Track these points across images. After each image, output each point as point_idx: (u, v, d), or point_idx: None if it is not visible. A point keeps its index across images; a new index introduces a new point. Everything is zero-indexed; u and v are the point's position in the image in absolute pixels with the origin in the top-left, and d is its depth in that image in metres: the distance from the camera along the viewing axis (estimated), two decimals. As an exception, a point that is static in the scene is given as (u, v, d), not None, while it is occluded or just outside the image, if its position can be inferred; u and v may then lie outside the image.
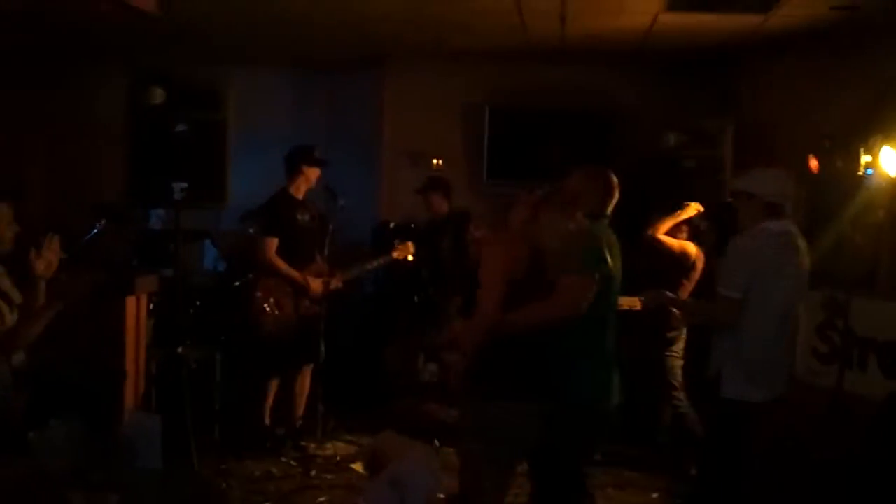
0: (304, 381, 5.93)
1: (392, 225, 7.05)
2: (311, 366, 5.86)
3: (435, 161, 7.50)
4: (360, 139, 7.89)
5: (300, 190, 5.73)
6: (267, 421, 5.80)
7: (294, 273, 5.62)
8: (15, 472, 2.34)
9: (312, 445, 5.81)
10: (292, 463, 5.53)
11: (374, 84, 7.77)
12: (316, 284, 5.70)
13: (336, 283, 5.81)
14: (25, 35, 6.91)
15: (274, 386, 5.81)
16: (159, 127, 4.80)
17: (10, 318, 3.70)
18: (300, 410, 5.97)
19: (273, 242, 5.54)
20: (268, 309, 5.59)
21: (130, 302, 4.95)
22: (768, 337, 3.87)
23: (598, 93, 7.38)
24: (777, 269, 3.82)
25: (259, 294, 5.58)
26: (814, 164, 5.82)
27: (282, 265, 5.58)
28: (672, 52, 6.88)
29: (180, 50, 7.08)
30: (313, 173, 5.75)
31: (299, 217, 5.73)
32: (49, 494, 2.39)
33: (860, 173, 5.66)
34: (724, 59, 6.99)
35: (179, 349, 5.02)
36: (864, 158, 5.60)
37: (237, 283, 6.39)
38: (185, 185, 4.76)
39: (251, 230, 6.24)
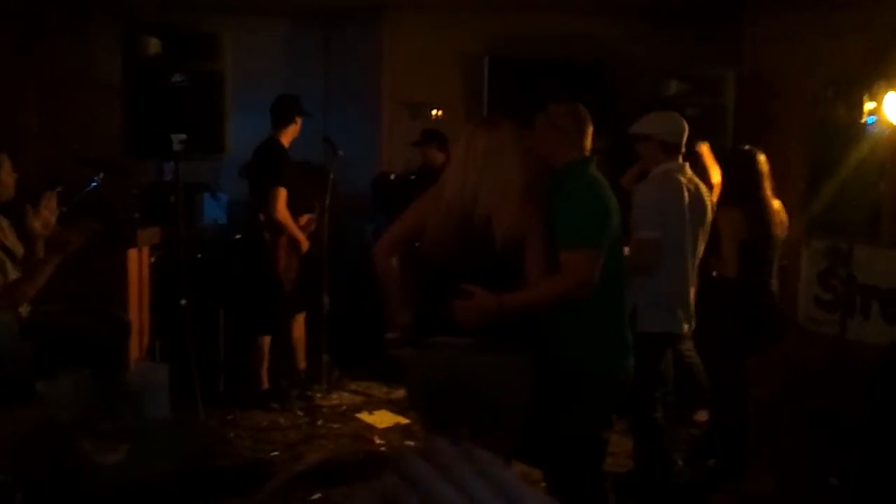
0: (300, 330, 5.96)
1: (392, 177, 7.01)
2: (304, 314, 5.89)
3: (434, 112, 7.44)
4: (359, 90, 7.82)
5: (288, 140, 5.68)
6: (265, 384, 5.80)
7: (298, 232, 5.61)
8: (25, 420, 2.35)
9: (318, 395, 5.87)
10: (299, 413, 5.58)
11: (373, 34, 7.67)
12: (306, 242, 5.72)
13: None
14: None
15: (267, 342, 5.81)
16: (156, 78, 4.73)
17: (14, 272, 3.70)
18: (302, 361, 6.01)
19: (284, 193, 5.48)
20: (283, 265, 5.60)
21: (132, 254, 4.95)
22: (682, 273, 4.10)
23: (599, 41, 7.31)
24: (681, 209, 4.05)
25: (280, 252, 5.58)
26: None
27: (290, 221, 5.56)
28: (673, 1, 6.79)
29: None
30: (298, 125, 5.72)
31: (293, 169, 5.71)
32: (59, 442, 2.40)
33: (863, 121, 5.65)
34: (727, 7, 6.90)
35: (182, 301, 5.03)
36: (868, 105, 5.59)
37: (238, 237, 6.40)
38: (183, 136, 4.73)
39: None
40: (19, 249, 3.80)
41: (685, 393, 5.44)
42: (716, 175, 4.94)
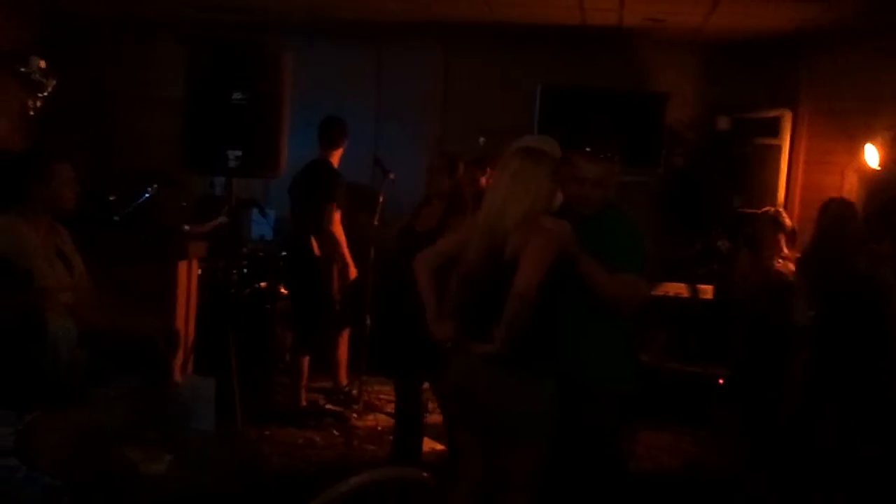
0: (344, 348, 5.99)
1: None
2: (347, 331, 5.92)
3: (482, 139, 7.47)
4: (409, 113, 7.87)
5: (336, 161, 5.79)
6: (303, 402, 5.86)
7: (347, 253, 5.69)
8: (77, 424, 2.38)
9: (354, 416, 5.88)
10: (335, 433, 5.59)
11: (427, 58, 7.75)
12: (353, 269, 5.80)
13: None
14: (80, 3, 7.01)
15: (307, 360, 5.85)
16: (216, 94, 4.81)
17: (71, 283, 3.77)
18: (344, 378, 6.04)
19: (338, 212, 5.59)
20: (337, 286, 5.67)
21: (182, 266, 5.01)
22: None
23: (652, 72, 7.29)
24: None
25: (332, 271, 5.67)
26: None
27: (343, 237, 5.64)
28: (730, 38, 6.76)
29: (235, 18, 7.16)
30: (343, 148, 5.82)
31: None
32: (108, 450, 2.43)
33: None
34: (784, 46, 6.87)
35: (227, 314, 5.07)
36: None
37: (284, 253, 6.46)
38: (239, 153, 4.79)
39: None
40: (77, 259, 3.86)
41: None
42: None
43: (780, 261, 5.30)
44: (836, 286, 4.50)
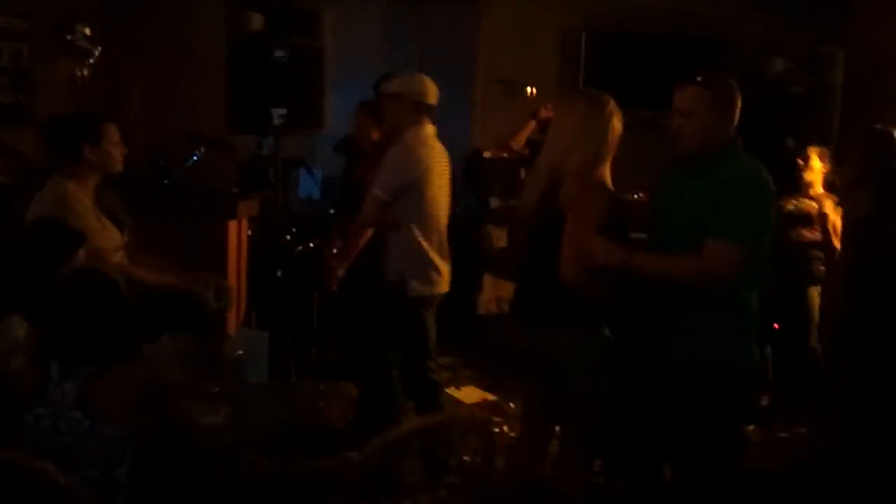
0: None
1: (487, 154, 7.00)
2: None
3: (529, 89, 7.37)
4: (453, 67, 7.80)
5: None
6: None
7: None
8: (137, 378, 2.44)
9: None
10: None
11: (468, 11, 7.66)
12: None
13: None
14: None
15: None
16: (258, 54, 4.82)
17: (122, 242, 3.84)
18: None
19: None
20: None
21: (232, 226, 5.07)
22: (433, 236, 4.22)
23: (700, 16, 7.11)
24: (429, 175, 4.16)
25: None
26: None
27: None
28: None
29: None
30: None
31: None
32: (167, 402, 2.48)
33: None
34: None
35: (279, 272, 5.13)
36: None
37: (332, 212, 6.49)
38: (283, 111, 4.81)
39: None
40: (127, 219, 3.92)
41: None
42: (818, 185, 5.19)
43: (804, 200, 5.20)
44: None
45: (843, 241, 4.78)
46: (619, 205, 3.17)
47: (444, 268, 4.28)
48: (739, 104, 3.02)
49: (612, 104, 3.14)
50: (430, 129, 4.25)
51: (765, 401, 5.28)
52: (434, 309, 4.34)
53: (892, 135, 4.45)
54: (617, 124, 3.13)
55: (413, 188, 4.10)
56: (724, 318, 2.99)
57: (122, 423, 2.37)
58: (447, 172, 4.35)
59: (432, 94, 4.24)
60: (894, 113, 6.09)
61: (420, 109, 4.19)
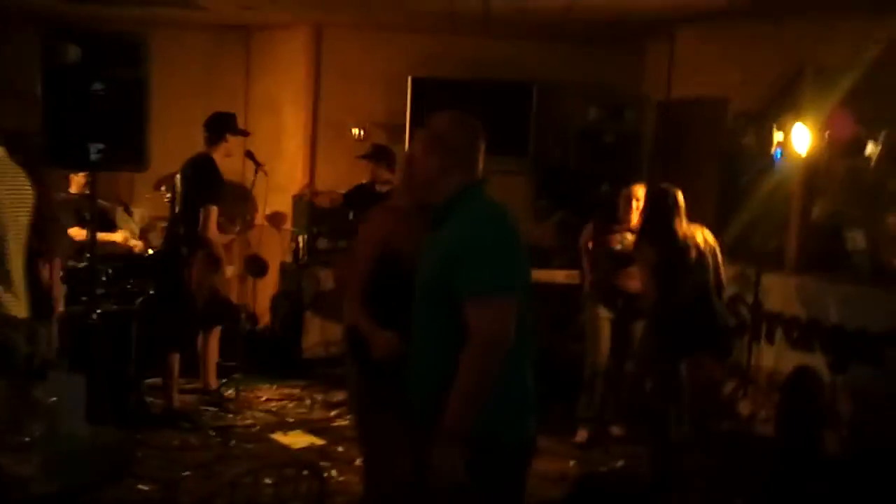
0: (213, 346, 5.87)
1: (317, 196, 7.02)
2: (218, 330, 5.80)
3: (355, 130, 7.45)
4: (282, 106, 7.79)
5: (221, 157, 5.60)
6: (176, 402, 5.68)
7: (222, 251, 5.55)
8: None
9: (230, 415, 5.76)
10: (211, 433, 5.45)
11: (297, 48, 7.69)
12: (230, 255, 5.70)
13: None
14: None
15: (177, 358, 5.68)
16: (75, 86, 4.61)
17: None
18: (213, 378, 5.91)
19: (216, 212, 5.40)
20: (197, 281, 5.50)
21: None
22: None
23: (521, 64, 7.43)
24: None
25: (194, 267, 5.48)
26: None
27: (218, 240, 5.50)
28: (596, 22, 6.90)
29: (99, 10, 6.91)
30: (235, 143, 5.66)
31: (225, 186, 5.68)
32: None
33: (772, 151, 5.89)
34: (644, 33, 7.09)
35: (94, 315, 4.88)
36: (777, 136, 5.82)
37: (151, 252, 6.29)
38: (101, 146, 4.61)
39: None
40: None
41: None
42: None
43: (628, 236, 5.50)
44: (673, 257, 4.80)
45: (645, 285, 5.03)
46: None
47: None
48: (474, 145, 2.65)
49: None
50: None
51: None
52: None
53: (669, 192, 4.83)
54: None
55: None
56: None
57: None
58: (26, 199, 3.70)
59: None
60: (699, 161, 6.58)
61: None
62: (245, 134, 5.82)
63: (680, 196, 4.82)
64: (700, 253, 4.82)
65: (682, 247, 4.78)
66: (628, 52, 7.36)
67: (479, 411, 2.42)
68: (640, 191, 5.39)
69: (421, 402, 2.63)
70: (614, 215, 5.44)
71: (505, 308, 2.44)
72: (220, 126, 5.59)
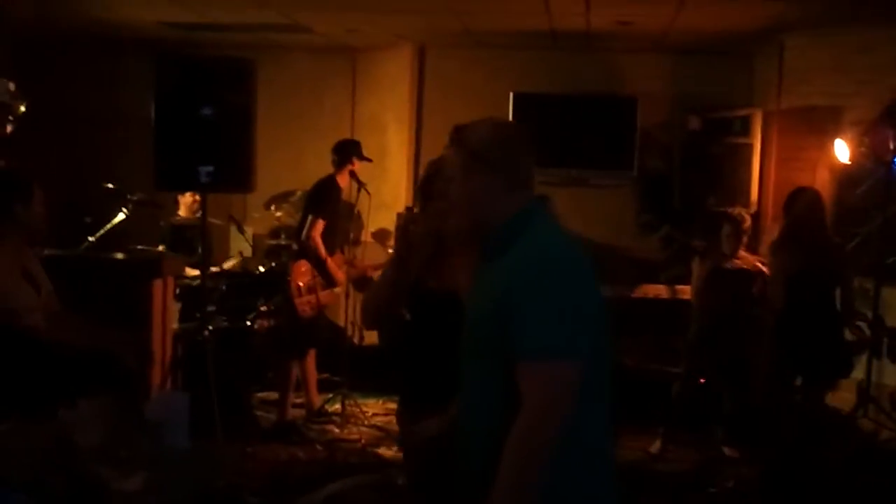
0: (311, 366, 6.01)
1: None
2: (314, 351, 5.97)
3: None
4: (387, 125, 7.90)
5: (344, 179, 5.92)
6: (288, 416, 5.88)
7: (329, 260, 5.75)
8: (45, 441, 2.36)
9: (336, 430, 5.86)
10: (318, 447, 5.55)
11: (400, 67, 7.81)
12: (341, 273, 5.85)
13: (355, 273, 5.95)
14: (46, 23, 7.01)
15: (295, 372, 5.88)
16: (184, 110, 4.78)
17: (39, 303, 3.73)
18: (315, 397, 6.03)
19: (321, 224, 5.72)
20: (301, 292, 5.70)
21: (157, 285, 4.98)
22: None
23: (622, 77, 7.33)
24: None
25: (294, 277, 5.71)
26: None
27: (323, 248, 5.74)
28: (699, 38, 6.80)
29: (209, 35, 7.20)
30: (357, 165, 5.94)
31: (341, 206, 5.98)
32: (78, 466, 2.40)
33: (889, 160, 5.62)
34: (752, 44, 6.92)
35: (206, 332, 5.05)
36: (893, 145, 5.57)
37: (262, 269, 6.47)
38: (210, 168, 4.76)
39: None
40: (45, 281, 3.82)
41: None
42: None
43: (734, 261, 5.38)
44: (813, 268, 4.65)
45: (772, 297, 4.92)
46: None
47: None
48: (522, 155, 2.17)
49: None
50: None
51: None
52: None
53: (819, 194, 4.82)
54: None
55: None
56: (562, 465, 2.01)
57: (29, 485, 2.29)
58: None
59: None
60: (810, 173, 6.34)
61: None
62: (368, 160, 6.07)
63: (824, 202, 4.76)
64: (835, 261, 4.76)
65: (829, 254, 4.72)
66: (735, 62, 7.16)
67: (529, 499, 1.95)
68: (748, 220, 5.33)
69: (471, 478, 2.14)
70: (718, 245, 5.36)
71: (561, 375, 1.96)
72: (346, 151, 5.91)
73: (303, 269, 5.73)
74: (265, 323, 6.22)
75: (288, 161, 7.31)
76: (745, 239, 5.41)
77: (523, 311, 1.98)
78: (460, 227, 2.24)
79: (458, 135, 2.23)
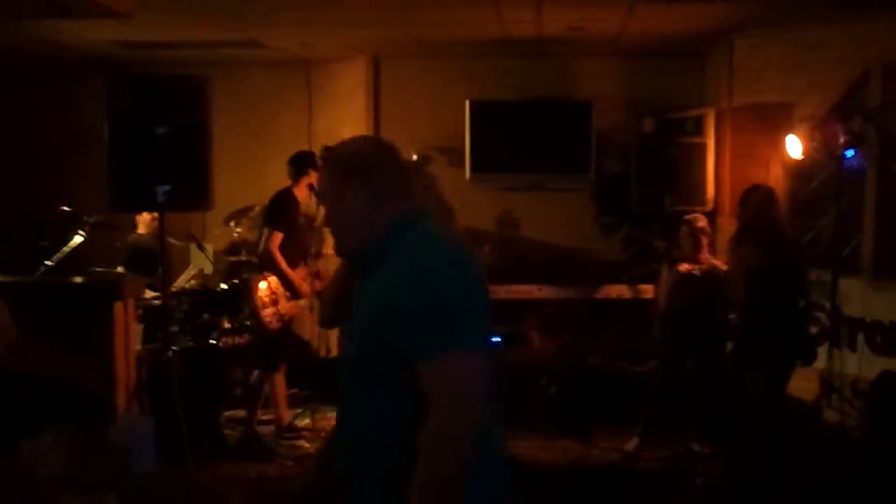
0: (279, 381, 5.98)
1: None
2: (284, 366, 5.94)
3: (416, 157, 7.48)
4: (344, 137, 7.87)
5: (302, 192, 5.88)
6: (256, 429, 5.84)
7: (289, 271, 5.71)
8: (8, 472, 2.33)
9: (306, 445, 5.83)
10: (287, 463, 5.52)
11: (355, 78, 7.81)
12: (305, 285, 5.81)
13: (319, 286, 5.91)
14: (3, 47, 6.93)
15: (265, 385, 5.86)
16: (140, 130, 4.74)
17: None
18: (284, 413, 6.00)
19: (279, 237, 5.69)
20: (265, 304, 5.65)
21: (118, 307, 4.93)
22: None
23: (577, 81, 7.40)
24: None
25: (259, 291, 5.66)
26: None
27: (281, 260, 5.70)
28: (650, 41, 6.88)
29: (164, 54, 7.14)
30: (314, 177, 5.86)
31: (300, 218, 5.92)
32: (43, 495, 2.37)
33: (840, 154, 5.73)
34: (702, 45, 7.01)
35: (170, 353, 5.00)
36: (844, 139, 5.67)
37: (224, 286, 6.41)
38: (167, 187, 4.72)
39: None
40: (3, 312, 3.75)
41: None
42: None
43: (695, 265, 5.45)
44: (771, 262, 4.72)
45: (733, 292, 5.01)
46: None
47: None
48: (399, 168, 2.16)
49: None
50: None
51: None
52: None
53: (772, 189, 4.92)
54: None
55: None
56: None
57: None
58: None
59: None
60: (763, 169, 6.45)
61: None
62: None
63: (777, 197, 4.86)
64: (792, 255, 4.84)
65: (785, 248, 4.80)
66: (687, 63, 7.27)
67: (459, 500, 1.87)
68: (702, 221, 5.40)
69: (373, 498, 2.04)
70: (677, 251, 5.45)
71: (464, 364, 1.90)
72: (302, 163, 5.88)
73: (265, 282, 5.68)
74: (230, 340, 6.16)
75: (247, 176, 7.27)
76: (704, 239, 5.46)
77: (411, 314, 1.93)
78: (344, 246, 2.17)
79: (329, 153, 2.24)
